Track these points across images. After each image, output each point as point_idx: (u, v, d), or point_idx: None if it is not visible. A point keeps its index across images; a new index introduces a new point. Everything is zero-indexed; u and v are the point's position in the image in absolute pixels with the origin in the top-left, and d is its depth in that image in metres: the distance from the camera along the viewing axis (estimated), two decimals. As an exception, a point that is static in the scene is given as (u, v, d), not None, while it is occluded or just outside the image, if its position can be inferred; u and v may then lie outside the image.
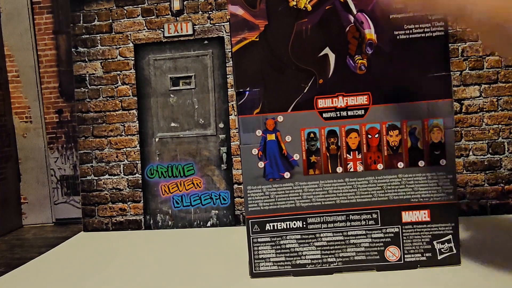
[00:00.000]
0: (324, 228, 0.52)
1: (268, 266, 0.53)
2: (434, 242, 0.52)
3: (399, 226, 0.52)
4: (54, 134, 1.01)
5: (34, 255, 0.71)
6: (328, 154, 0.52)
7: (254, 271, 0.53)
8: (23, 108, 1.13)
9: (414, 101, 0.51)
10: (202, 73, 0.82)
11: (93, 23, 0.85)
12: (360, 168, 0.52)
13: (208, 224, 0.81)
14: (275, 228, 0.52)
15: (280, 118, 0.52)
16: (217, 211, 0.81)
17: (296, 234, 0.53)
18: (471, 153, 0.76)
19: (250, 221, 0.53)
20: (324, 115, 0.52)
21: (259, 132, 0.52)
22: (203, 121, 0.81)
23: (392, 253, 0.52)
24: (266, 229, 0.52)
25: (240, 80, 0.52)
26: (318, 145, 0.52)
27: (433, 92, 0.51)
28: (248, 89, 0.52)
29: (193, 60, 0.82)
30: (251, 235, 0.53)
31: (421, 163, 0.52)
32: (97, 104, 0.85)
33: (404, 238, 0.52)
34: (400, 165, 0.52)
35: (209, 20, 0.81)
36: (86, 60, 0.85)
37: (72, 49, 0.86)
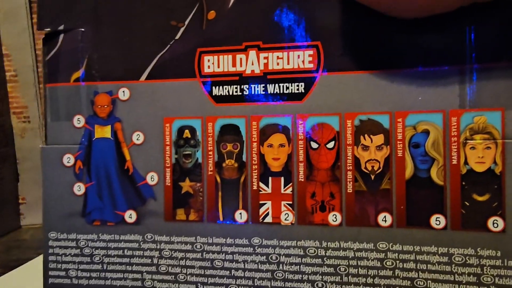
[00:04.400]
0: None
1: None
2: None
3: None
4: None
5: (32, 256, 0.63)
6: (218, 178, 0.23)
7: None
8: (21, 107, 1.09)
9: (424, 66, 0.21)
10: None
11: None
12: (288, 217, 0.23)
13: None
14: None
15: (123, 93, 0.24)
16: None
17: None
18: None
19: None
20: (216, 90, 0.23)
21: (79, 121, 0.25)
22: None
23: None
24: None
25: (46, 9, 0.25)
26: (199, 156, 0.24)
27: (477, 47, 0.20)
28: (62, 27, 0.25)
29: None
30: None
31: (437, 222, 0.21)
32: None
33: None
34: (385, 220, 0.21)
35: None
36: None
37: None
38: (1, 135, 1.08)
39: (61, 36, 0.25)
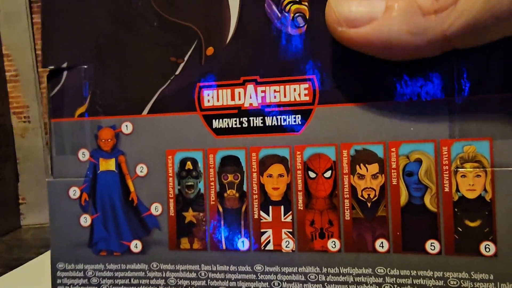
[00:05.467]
0: None
1: None
2: None
3: None
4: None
5: (33, 256, 0.65)
6: (220, 208, 0.24)
7: None
8: (22, 107, 1.09)
9: (415, 98, 0.22)
10: None
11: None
12: (289, 244, 0.23)
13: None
14: None
15: (126, 127, 0.25)
16: None
17: None
18: None
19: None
20: (216, 123, 0.24)
21: (84, 154, 0.26)
22: None
23: None
24: None
25: (50, 47, 0.26)
26: (201, 186, 0.24)
27: (468, 78, 0.21)
28: (65, 64, 0.26)
29: None
30: None
31: (432, 247, 0.22)
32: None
33: None
34: (382, 245, 0.22)
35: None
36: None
37: None
38: (1, 135, 1.09)
39: (65, 73, 0.26)
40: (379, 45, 0.19)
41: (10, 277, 0.58)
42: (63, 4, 0.26)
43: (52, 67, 0.26)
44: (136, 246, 0.25)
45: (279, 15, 0.23)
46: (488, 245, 0.21)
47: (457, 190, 0.21)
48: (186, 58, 0.24)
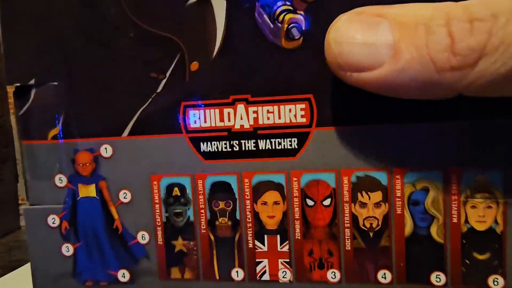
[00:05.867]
0: None
1: None
2: None
3: None
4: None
5: None
6: (212, 237, 0.23)
7: None
8: None
9: (422, 122, 0.20)
10: None
11: None
12: (286, 274, 0.22)
13: None
14: None
15: (105, 150, 0.23)
16: None
17: None
18: None
19: None
20: (204, 146, 0.22)
21: (61, 180, 0.23)
22: None
23: None
24: None
25: (14, 61, 0.23)
26: (190, 214, 0.23)
27: (477, 102, 0.19)
28: (33, 81, 0.23)
29: None
30: None
31: (438, 279, 0.20)
32: None
33: None
34: (384, 277, 0.21)
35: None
36: None
37: None
38: (1, 136, 1.05)
39: (33, 90, 0.23)
40: (386, 91, 0.17)
41: (10, 277, 0.57)
42: (24, 14, 0.22)
43: (18, 84, 0.23)
44: (123, 275, 0.23)
45: (272, 26, 0.21)
46: (497, 279, 0.20)
47: (466, 221, 0.20)
48: (168, 74, 0.22)
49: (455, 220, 0.20)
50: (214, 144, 0.22)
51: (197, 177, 0.22)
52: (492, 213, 0.19)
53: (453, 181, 0.20)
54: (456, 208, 0.20)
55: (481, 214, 0.19)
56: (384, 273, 0.21)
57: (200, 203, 0.22)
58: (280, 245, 0.22)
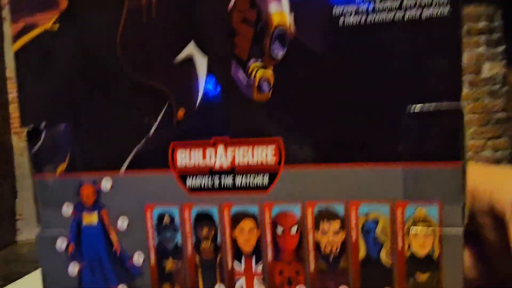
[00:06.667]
0: None
1: None
2: None
3: None
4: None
5: (30, 270, 0.63)
6: (197, 259, 0.26)
7: None
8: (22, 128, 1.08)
9: (374, 162, 0.23)
10: None
11: None
12: (260, 290, 0.26)
13: None
14: None
15: (106, 184, 0.27)
16: None
17: None
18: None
19: None
20: (190, 181, 0.26)
21: (68, 209, 0.27)
22: None
23: None
24: None
25: (27, 106, 0.27)
26: (178, 239, 0.26)
27: (419, 146, 0.23)
28: (43, 124, 0.27)
29: None
30: None
31: (387, 297, 0.24)
32: None
33: None
34: (343, 293, 0.25)
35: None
36: None
37: None
38: (1, 153, 1.09)
39: (44, 131, 0.27)
40: None
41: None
42: (36, 64, 0.26)
43: (31, 125, 0.27)
44: (122, 290, 0.27)
45: (245, 79, 0.24)
46: (436, 295, 0.23)
47: (409, 247, 0.23)
48: (158, 119, 0.25)
49: (400, 246, 0.23)
50: (198, 180, 0.25)
51: (184, 207, 0.26)
52: (430, 241, 0.23)
53: (398, 213, 0.23)
54: (401, 236, 0.23)
55: (421, 242, 0.23)
56: (343, 290, 0.24)
57: (187, 229, 0.26)
58: (255, 265, 0.25)
